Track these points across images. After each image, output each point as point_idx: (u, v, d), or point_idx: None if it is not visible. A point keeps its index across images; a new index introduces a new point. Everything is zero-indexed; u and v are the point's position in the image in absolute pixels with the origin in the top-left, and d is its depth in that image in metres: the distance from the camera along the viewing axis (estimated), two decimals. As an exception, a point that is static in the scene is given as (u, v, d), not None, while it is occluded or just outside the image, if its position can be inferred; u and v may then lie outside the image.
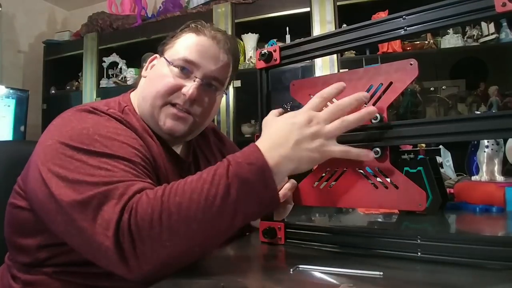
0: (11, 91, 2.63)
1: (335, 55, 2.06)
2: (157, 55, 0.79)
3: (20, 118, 2.63)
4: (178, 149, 0.79)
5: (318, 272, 0.48)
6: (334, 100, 0.57)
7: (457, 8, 0.49)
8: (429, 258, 0.50)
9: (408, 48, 2.08)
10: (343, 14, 2.15)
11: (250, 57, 2.39)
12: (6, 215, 0.69)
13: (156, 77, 0.74)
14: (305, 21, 2.19)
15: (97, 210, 0.50)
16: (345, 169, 0.59)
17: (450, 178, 1.29)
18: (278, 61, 0.65)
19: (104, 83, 2.82)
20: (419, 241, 0.51)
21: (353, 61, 2.15)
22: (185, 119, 0.73)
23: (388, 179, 0.56)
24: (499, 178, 1.04)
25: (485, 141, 1.05)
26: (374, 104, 0.57)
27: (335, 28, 2.12)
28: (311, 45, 0.62)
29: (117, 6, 3.00)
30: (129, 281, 0.49)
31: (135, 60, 2.76)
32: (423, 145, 1.35)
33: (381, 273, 0.45)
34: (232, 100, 2.30)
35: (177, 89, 0.72)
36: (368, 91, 0.57)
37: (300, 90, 0.66)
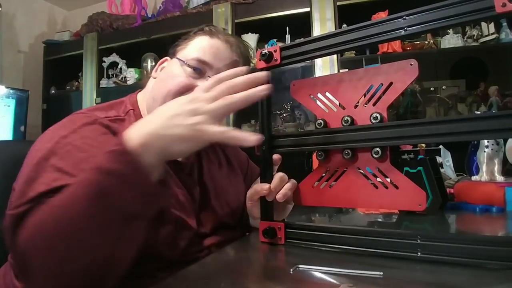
0: (11, 91, 2.63)
1: (335, 55, 2.06)
2: (167, 57, 0.80)
3: (20, 118, 2.63)
4: None
5: (318, 272, 0.48)
6: None
7: (457, 8, 0.49)
8: (429, 258, 0.50)
9: (408, 48, 2.09)
10: (343, 14, 2.15)
11: (250, 57, 2.38)
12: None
13: (167, 77, 0.74)
14: (305, 21, 2.19)
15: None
16: (345, 169, 0.60)
17: (450, 178, 1.28)
18: (278, 61, 0.65)
19: (104, 83, 2.82)
20: (419, 241, 0.51)
21: (353, 61, 2.15)
22: None
23: (388, 179, 0.56)
24: (499, 178, 1.04)
25: (485, 141, 1.05)
26: (374, 105, 0.57)
27: (335, 28, 2.12)
28: (312, 45, 0.62)
29: (117, 6, 3.00)
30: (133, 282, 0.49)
31: (135, 60, 2.77)
32: (423, 145, 1.35)
33: (381, 273, 0.45)
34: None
35: (189, 88, 0.70)
36: (368, 91, 0.58)
37: (300, 90, 0.66)
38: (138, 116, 0.73)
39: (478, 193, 0.97)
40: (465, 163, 1.24)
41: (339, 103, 0.61)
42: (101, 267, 0.46)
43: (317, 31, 2.15)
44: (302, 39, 0.64)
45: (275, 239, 0.63)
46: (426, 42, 2.07)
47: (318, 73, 2.15)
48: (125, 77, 2.80)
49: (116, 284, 0.49)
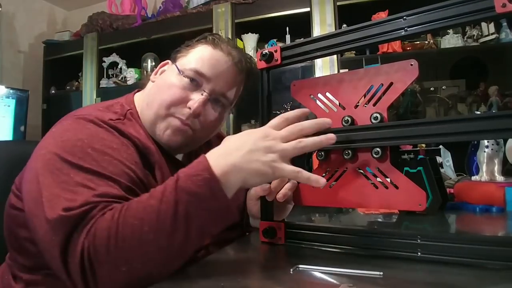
0: (11, 91, 2.63)
1: (335, 55, 2.06)
2: (169, 60, 0.78)
3: (20, 118, 2.63)
4: (179, 155, 0.79)
5: (318, 272, 0.48)
6: None
7: (457, 8, 0.49)
8: (429, 258, 0.50)
9: (408, 48, 2.09)
10: (343, 14, 2.15)
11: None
12: (5, 215, 0.69)
13: (164, 85, 0.73)
14: (305, 21, 2.19)
15: (68, 237, 0.48)
16: (345, 169, 0.60)
17: (450, 178, 1.29)
18: (279, 62, 0.65)
19: (104, 83, 2.82)
20: (419, 241, 0.51)
21: (353, 61, 2.15)
22: (185, 131, 0.71)
23: (388, 179, 0.56)
24: (499, 178, 1.04)
25: (485, 141, 1.05)
26: (374, 105, 0.57)
27: (335, 29, 2.12)
28: (312, 45, 0.62)
29: (117, 6, 3.00)
30: None
31: (135, 60, 2.77)
32: (423, 145, 1.35)
33: (381, 273, 0.45)
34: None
35: (183, 101, 0.70)
36: (368, 91, 0.58)
37: (300, 91, 0.66)
38: (136, 117, 0.72)
39: (478, 193, 0.97)
40: (465, 163, 1.24)
41: (339, 103, 0.61)
42: (161, 273, 0.49)
43: (317, 32, 2.15)
44: (302, 39, 0.64)
45: (275, 239, 0.63)
46: (426, 42, 2.08)
47: (318, 73, 2.15)
48: (125, 77, 2.80)
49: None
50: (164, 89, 0.72)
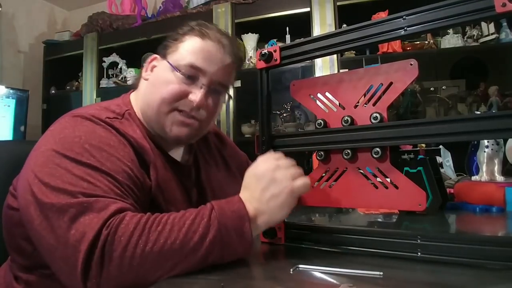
0: (11, 91, 2.63)
1: (335, 55, 2.06)
2: (157, 56, 0.77)
3: (20, 118, 2.63)
4: (178, 153, 0.79)
5: (318, 272, 0.48)
6: None
7: (457, 8, 0.49)
8: (429, 258, 0.50)
9: (408, 48, 2.08)
10: (343, 14, 2.15)
11: (250, 57, 2.39)
12: (3, 216, 0.69)
13: (159, 82, 0.73)
14: (305, 21, 2.19)
15: (73, 220, 0.50)
16: (345, 169, 0.60)
17: (450, 178, 1.28)
18: (278, 61, 0.65)
19: (104, 83, 2.82)
20: (419, 241, 0.51)
21: (353, 61, 2.15)
22: (191, 124, 0.73)
23: (388, 179, 0.56)
24: (499, 178, 1.04)
25: (485, 141, 1.05)
26: (374, 105, 0.57)
27: (335, 29, 2.12)
28: (312, 45, 0.62)
29: (117, 6, 3.00)
30: None
31: (135, 60, 2.77)
32: (423, 145, 1.35)
33: (381, 273, 0.45)
34: (232, 100, 2.30)
35: (183, 95, 0.71)
36: (368, 91, 0.58)
37: (300, 90, 0.66)
38: (134, 117, 0.72)
39: (478, 193, 0.97)
40: (465, 163, 1.24)
41: (339, 103, 0.61)
42: (159, 278, 0.50)
43: (317, 32, 2.15)
44: (302, 39, 0.64)
45: (275, 239, 0.63)
46: (426, 42, 2.07)
47: (318, 73, 2.15)
48: (125, 77, 2.80)
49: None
50: (162, 86, 0.72)
